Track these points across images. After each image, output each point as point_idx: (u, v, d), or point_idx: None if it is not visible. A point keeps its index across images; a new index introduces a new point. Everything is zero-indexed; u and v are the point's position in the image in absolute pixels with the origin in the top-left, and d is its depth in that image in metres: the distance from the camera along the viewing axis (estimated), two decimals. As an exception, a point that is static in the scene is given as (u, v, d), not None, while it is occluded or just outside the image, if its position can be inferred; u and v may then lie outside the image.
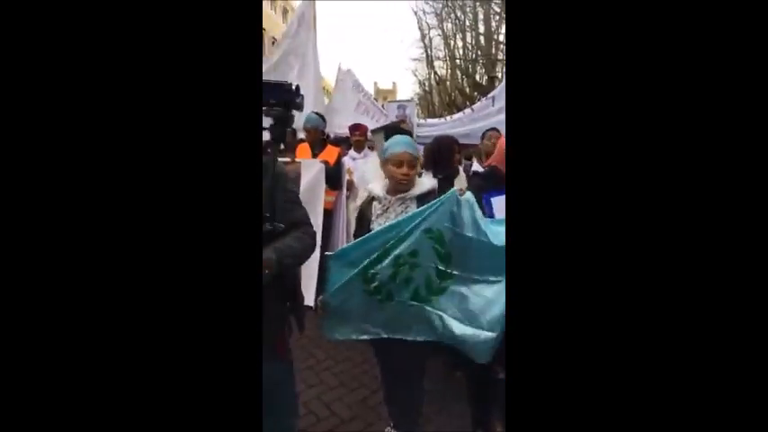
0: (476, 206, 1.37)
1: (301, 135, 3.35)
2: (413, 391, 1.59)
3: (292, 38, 4.59)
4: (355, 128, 3.57)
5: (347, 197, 3.42)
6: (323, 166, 3.14)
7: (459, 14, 13.32)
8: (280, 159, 1.47)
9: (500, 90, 4.54)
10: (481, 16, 12.67)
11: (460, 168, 2.60)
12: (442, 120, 5.71)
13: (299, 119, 3.03)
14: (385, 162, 1.50)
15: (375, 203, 1.53)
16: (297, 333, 1.22)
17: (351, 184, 3.36)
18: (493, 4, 11.70)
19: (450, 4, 13.40)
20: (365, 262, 1.35)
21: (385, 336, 1.45)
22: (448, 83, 15.42)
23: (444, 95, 15.47)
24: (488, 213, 1.53)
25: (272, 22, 19.60)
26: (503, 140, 1.77)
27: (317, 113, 3.39)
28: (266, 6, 19.05)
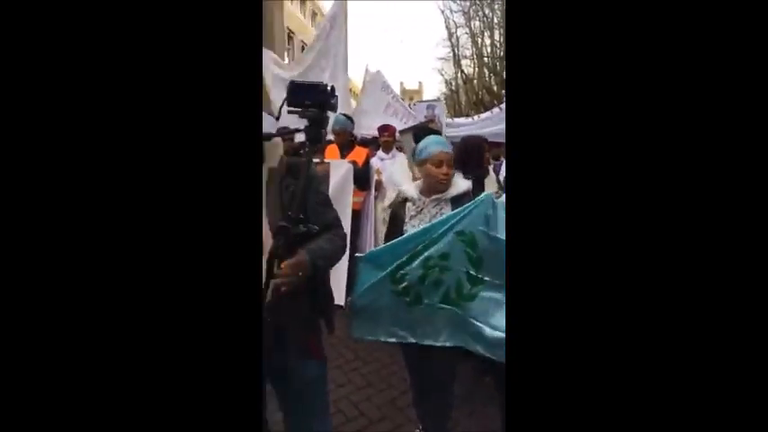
0: None
1: (329, 136, 3.39)
2: (443, 395, 1.56)
3: (324, 40, 4.55)
4: (384, 129, 3.57)
5: (375, 198, 3.43)
6: (351, 166, 3.16)
7: (486, 12, 13.12)
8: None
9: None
10: (510, 13, 12.36)
11: (490, 169, 2.54)
12: (470, 119, 5.63)
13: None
14: (422, 162, 1.48)
15: (408, 205, 1.51)
16: (326, 334, 1.23)
17: (379, 185, 3.36)
18: (522, 1, 11.38)
19: (477, 2, 13.23)
20: (395, 264, 1.35)
21: (413, 340, 1.43)
22: (475, 81, 15.20)
23: (471, 94, 15.26)
24: None
25: (302, 25, 19.96)
26: None
27: (345, 115, 3.42)
28: (296, 10, 19.42)
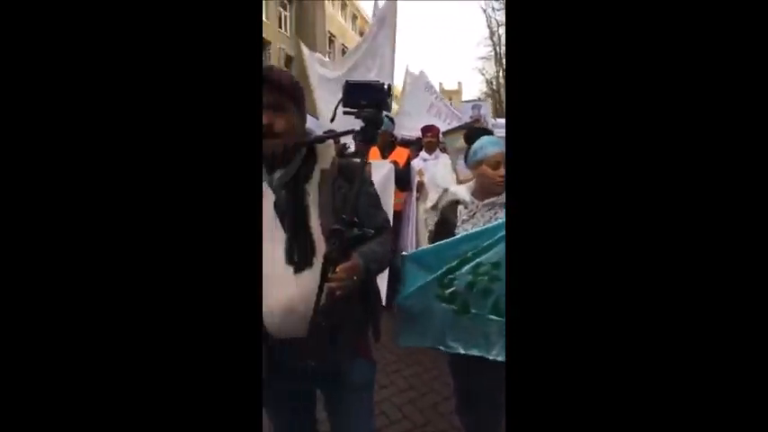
0: None
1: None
2: (491, 408, 1.48)
3: (371, 40, 4.44)
4: (427, 129, 3.54)
5: (417, 199, 3.41)
6: (393, 167, 3.16)
7: (531, 8, 12.64)
8: (356, 160, 1.45)
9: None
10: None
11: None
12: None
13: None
14: (477, 164, 1.42)
15: (460, 208, 1.45)
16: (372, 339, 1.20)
17: (421, 186, 3.34)
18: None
19: None
20: (444, 268, 1.30)
21: (463, 351, 1.36)
22: (518, 80, 14.69)
23: (514, 93, 14.76)
24: None
25: (343, 28, 20.30)
26: None
27: (386, 116, 3.42)
28: (337, 13, 19.76)
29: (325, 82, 4.81)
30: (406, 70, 5.35)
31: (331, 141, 1.14)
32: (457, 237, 1.34)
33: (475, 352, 1.35)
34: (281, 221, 1.00)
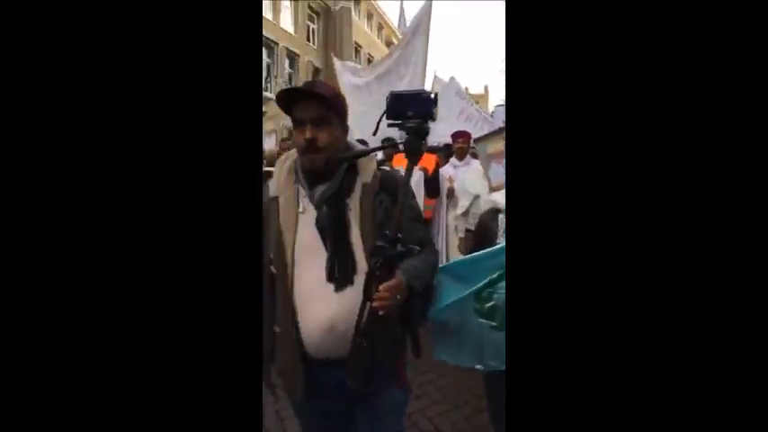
0: None
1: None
2: None
3: (404, 48, 4.36)
4: (458, 135, 3.49)
5: (447, 205, 3.37)
6: (422, 173, 3.14)
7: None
8: (397, 172, 1.42)
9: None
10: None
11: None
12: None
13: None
14: None
15: (501, 217, 1.40)
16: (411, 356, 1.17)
17: (451, 193, 3.29)
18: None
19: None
20: (485, 279, 1.26)
21: (503, 369, 1.30)
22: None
23: (543, 97, 14.42)
24: None
25: (369, 39, 20.52)
26: None
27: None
28: (363, 24, 20.00)
29: (354, 89, 4.81)
30: (435, 77, 5.33)
31: (373, 154, 1.12)
32: (497, 246, 1.28)
33: None
34: (322, 238, 0.98)
